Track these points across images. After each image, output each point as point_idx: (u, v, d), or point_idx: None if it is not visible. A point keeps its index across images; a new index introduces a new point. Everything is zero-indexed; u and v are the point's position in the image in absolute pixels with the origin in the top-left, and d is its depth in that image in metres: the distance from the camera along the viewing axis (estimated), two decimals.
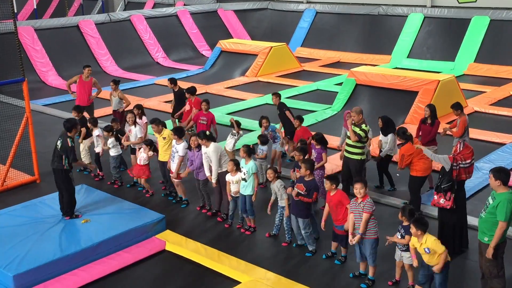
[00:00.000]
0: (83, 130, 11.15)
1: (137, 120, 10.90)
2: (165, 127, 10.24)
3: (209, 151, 9.07)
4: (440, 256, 6.52)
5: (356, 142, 9.30)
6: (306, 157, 8.75)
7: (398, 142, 9.35)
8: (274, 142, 11.14)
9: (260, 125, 11.20)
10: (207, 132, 9.33)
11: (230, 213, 9.12)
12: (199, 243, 8.50)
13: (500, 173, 6.58)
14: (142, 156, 10.20)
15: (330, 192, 7.77)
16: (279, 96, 11.88)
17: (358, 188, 7.24)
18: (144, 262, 8.18)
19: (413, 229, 6.58)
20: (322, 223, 7.99)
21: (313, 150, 9.62)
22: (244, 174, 8.69)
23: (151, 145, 10.16)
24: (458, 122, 10.43)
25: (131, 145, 10.76)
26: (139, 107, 11.33)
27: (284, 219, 8.47)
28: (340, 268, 7.88)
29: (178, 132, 9.65)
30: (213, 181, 9.20)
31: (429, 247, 6.50)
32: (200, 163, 9.37)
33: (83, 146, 11.33)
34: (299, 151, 8.82)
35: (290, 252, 8.33)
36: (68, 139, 8.86)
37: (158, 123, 10.05)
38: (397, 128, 9.57)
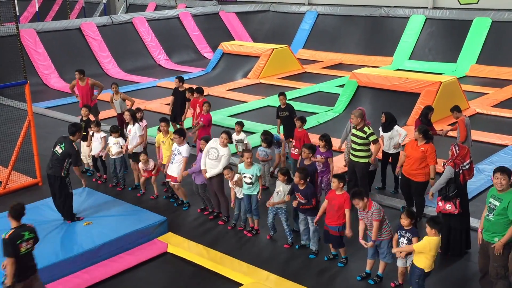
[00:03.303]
0: (89, 133, 11.07)
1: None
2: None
3: (224, 152, 9.00)
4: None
5: (361, 145, 9.29)
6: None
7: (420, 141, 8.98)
8: (279, 147, 11.01)
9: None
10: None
11: (235, 213, 9.06)
12: (201, 245, 8.50)
13: (510, 172, 6.56)
14: (142, 167, 10.22)
15: (335, 191, 7.71)
16: (286, 96, 11.82)
17: (356, 204, 7.25)
18: (146, 264, 8.18)
19: (427, 228, 6.64)
20: (317, 218, 7.93)
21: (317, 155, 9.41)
22: (250, 178, 8.62)
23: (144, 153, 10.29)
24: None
25: (134, 150, 10.60)
26: (139, 110, 11.32)
27: (284, 222, 8.44)
28: (343, 270, 7.86)
29: (180, 134, 9.62)
30: (207, 175, 9.06)
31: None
32: (199, 166, 9.26)
33: (90, 150, 11.11)
34: (308, 148, 8.60)
35: (292, 254, 8.32)
36: (73, 144, 8.87)
37: (167, 122, 10.20)
38: (416, 127, 9.34)
